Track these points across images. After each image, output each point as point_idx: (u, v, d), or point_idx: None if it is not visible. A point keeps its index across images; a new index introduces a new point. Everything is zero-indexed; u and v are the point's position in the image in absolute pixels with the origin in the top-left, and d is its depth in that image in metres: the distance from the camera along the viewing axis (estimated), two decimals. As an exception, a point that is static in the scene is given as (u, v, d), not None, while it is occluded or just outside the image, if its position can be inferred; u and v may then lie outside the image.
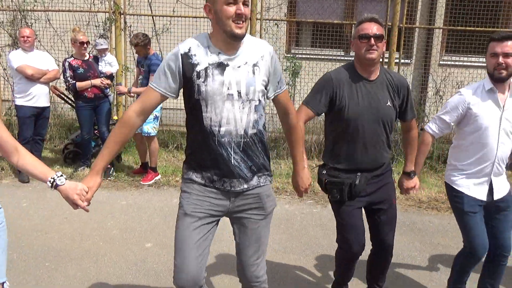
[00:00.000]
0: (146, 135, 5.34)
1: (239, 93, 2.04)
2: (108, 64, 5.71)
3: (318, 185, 2.88)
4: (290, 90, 6.78)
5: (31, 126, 5.51)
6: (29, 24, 6.69)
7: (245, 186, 2.13)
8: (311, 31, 8.25)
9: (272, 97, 2.22)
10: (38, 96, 5.46)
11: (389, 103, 2.63)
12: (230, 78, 2.03)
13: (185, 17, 6.54)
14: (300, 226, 4.44)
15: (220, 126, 2.04)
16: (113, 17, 6.32)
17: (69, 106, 6.16)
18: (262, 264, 2.30)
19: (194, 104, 2.05)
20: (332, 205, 2.75)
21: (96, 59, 5.63)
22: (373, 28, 2.52)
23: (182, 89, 2.08)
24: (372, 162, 2.66)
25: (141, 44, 5.14)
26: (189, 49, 2.03)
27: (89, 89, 5.41)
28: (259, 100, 2.10)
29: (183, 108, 2.13)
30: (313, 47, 8.05)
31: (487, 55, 2.73)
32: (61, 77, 5.54)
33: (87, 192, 2.05)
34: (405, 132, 2.89)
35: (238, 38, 2.00)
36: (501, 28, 7.62)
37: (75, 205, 2.03)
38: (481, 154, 2.77)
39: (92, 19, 6.73)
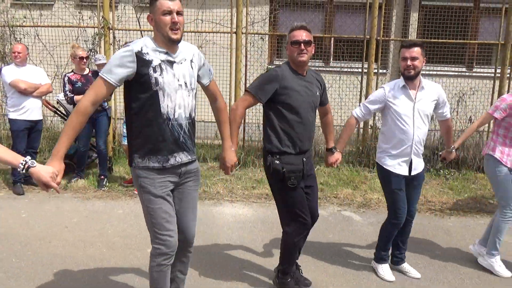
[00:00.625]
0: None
1: (185, 83, 2.52)
2: None
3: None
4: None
5: (25, 139, 5.62)
6: (18, 39, 6.80)
7: (189, 157, 2.62)
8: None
9: (207, 85, 2.76)
10: (31, 110, 5.58)
11: (318, 93, 3.21)
12: (179, 72, 2.50)
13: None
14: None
15: (174, 111, 2.49)
16: (102, 32, 6.51)
17: (59, 119, 6.28)
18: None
19: (151, 95, 2.42)
20: (282, 191, 3.12)
21: (96, 73, 5.79)
22: (302, 35, 3.02)
23: (128, 85, 2.44)
24: (310, 143, 3.21)
25: None
26: (142, 48, 2.41)
27: None
28: (195, 89, 2.63)
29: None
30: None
31: (400, 59, 3.39)
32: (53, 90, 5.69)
33: (57, 175, 2.27)
34: (323, 116, 3.49)
35: (175, 42, 2.47)
36: (470, 39, 8.12)
37: (46, 187, 2.22)
38: (401, 137, 3.43)
39: (81, 34, 6.88)
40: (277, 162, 3.07)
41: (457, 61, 8.25)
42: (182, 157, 2.58)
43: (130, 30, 6.81)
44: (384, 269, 3.72)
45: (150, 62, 2.41)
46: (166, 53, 2.47)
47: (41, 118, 5.74)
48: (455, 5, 8.26)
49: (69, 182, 5.82)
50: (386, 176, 3.52)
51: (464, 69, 8.37)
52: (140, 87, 2.43)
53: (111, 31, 6.58)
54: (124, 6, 6.92)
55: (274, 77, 3.03)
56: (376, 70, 7.03)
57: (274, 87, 3.03)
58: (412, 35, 8.31)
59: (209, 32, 6.80)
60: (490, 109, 3.78)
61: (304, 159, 3.14)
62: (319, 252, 4.15)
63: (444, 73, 7.86)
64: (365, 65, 6.89)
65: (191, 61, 2.59)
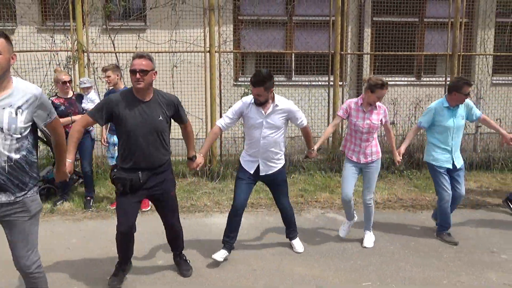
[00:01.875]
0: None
1: (1, 128, 2.56)
2: (91, 102, 5.93)
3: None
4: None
5: None
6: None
7: (12, 198, 2.67)
8: (254, 60, 8.97)
9: (43, 125, 2.81)
10: None
11: (161, 118, 3.49)
12: None
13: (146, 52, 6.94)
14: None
15: None
16: (76, 55, 6.58)
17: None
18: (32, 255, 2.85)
19: None
20: (116, 197, 3.60)
21: (81, 97, 5.84)
22: (140, 64, 3.33)
23: None
24: (151, 163, 3.53)
25: (111, 68, 5.47)
26: None
27: (70, 125, 5.62)
28: (19, 134, 2.63)
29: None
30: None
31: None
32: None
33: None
34: (183, 130, 3.87)
35: None
36: (418, 51, 8.91)
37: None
38: (252, 142, 4.06)
39: (53, 58, 6.89)
40: (115, 170, 3.55)
41: (407, 71, 9.00)
42: (1, 197, 2.64)
43: (105, 53, 6.91)
44: None
45: None
46: None
47: None
48: (402, 20, 9.03)
49: (54, 205, 5.80)
50: (239, 170, 4.24)
51: (413, 79, 9.14)
52: None
53: (85, 54, 6.67)
54: (98, 29, 7.02)
55: (106, 103, 3.44)
56: (341, 83, 7.56)
57: (107, 112, 3.41)
58: (366, 48, 8.98)
59: (183, 52, 7.05)
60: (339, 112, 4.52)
61: (140, 174, 3.49)
62: (316, 251, 4.49)
63: (396, 82, 8.56)
64: (332, 78, 7.40)
65: (19, 107, 2.59)
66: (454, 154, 4.64)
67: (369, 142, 4.40)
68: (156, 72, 3.46)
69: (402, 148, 4.69)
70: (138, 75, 3.29)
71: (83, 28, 6.56)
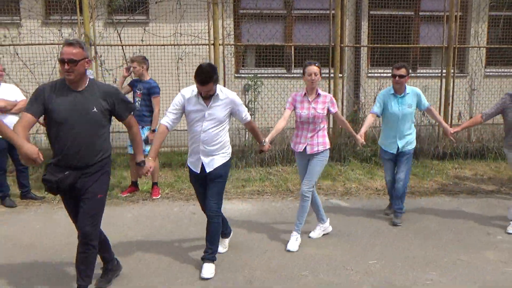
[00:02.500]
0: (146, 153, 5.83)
1: None
2: None
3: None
4: (252, 105, 7.63)
5: (5, 158, 5.70)
6: (-3, 57, 6.86)
7: None
8: (254, 53, 9.17)
9: None
10: (11, 127, 5.69)
11: (95, 109, 3.15)
12: None
13: (153, 45, 7.13)
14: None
15: None
16: (84, 48, 6.73)
17: (44, 134, 6.42)
18: None
19: None
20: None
21: None
22: (69, 53, 3.00)
23: None
24: (81, 162, 3.17)
25: (138, 59, 5.68)
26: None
27: None
28: None
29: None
30: (258, 67, 8.96)
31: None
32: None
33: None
34: (128, 129, 3.47)
35: None
36: (414, 43, 9.15)
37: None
38: (193, 137, 3.78)
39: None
40: (47, 169, 3.20)
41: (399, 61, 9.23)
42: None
43: (111, 46, 7.07)
44: None
45: None
46: None
47: None
48: (398, 14, 9.27)
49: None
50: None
51: (410, 71, 9.38)
52: None
53: (92, 47, 6.83)
54: (104, 23, 7.19)
55: (38, 94, 3.10)
56: (340, 74, 7.79)
57: (40, 103, 3.07)
58: (363, 41, 9.21)
59: (188, 45, 7.23)
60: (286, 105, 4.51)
61: (66, 173, 3.14)
62: (326, 234, 4.74)
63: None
64: (332, 70, 7.62)
65: None
66: (400, 140, 4.94)
67: (315, 132, 4.37)
68: (89, 60, 3.15)
69: (362, 131, 4.82)
70: (66, 66, 2.99)
71: (90, 22, 6.70)
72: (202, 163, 3.78)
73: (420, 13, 9.40)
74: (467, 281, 3.72)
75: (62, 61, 3.01)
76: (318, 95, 4.36)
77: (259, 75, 7.80)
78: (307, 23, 8.90)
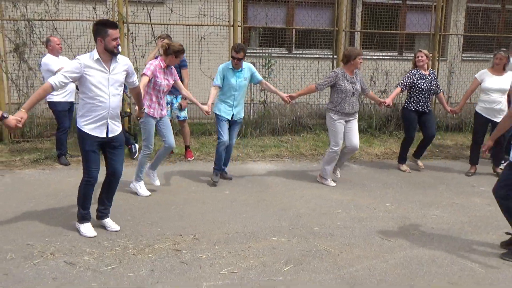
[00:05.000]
0: (184, 119, 6.69)
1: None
2: None
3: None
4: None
5: (67, 118, 6.50)
6: (37, 32, 7.47)
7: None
8: (258, 34, 10.05)
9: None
10: (71, 93, 6.49)
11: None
12: None
13: (178, 25, 7.89)
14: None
15: None
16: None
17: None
18: None
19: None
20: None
21: None
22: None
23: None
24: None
25: (165, 37, 6.47)
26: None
27: None
28: None
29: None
30: (261, 47, 9.86)
31: (109, 40, 3.76)
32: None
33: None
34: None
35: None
36: (400, 30, 10.25)
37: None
38: (98, 105, 3.88)
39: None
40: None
41: (391, 47, 10.36)
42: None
43: (143, 24, 7.80)
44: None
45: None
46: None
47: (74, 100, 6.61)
48: (387, 2, 10.33)
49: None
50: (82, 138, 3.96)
51: (396, 54, 10.52)
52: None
53: (125, 25, 7.54)
54: (139, 0, 7.90)
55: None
56: (332, 56, 8.80)
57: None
58: (357, 27, 10.23)
59: (209, 25, 8.05)
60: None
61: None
62: (344, 185, 5.79)
63: (381, 57, 9.91)
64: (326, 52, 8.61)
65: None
66: (235, 108, 5.65)
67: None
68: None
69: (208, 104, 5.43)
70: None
71: (124, 1, 7.40)
72: (108, 127, 4.00)
73: (407, 2, 10.51)
74: (462, 215, 4.85)
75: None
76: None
77: (264, 55, 8.68)
78: (309, 8, 9.83)
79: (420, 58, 6.35)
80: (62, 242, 3.91)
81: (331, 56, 8.76)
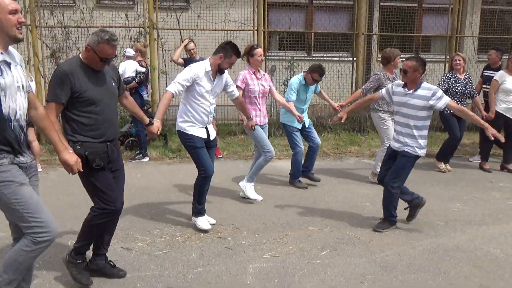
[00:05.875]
0: (213, 116, 7.04)
1: (22, 85, 2.55)
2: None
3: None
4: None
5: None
6: (72, 39, 7.91)
7: (30, 157, 2.69)
8: (277, 38, 10.40)
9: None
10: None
11: (114, 84, 3.26)
12: (17, 74, 2.52)
13: (205, 30, 8.28)
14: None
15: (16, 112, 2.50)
16: (148, 31, 7.85)
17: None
18: None
19: None
20: (89, 173, 3.14)
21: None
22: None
23: None
24: (114, 133, 3.31)
25: (193, 41, 6.93)
26: None
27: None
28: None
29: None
30: (280, 50, 10.21)
31: (227, 62, 4.17)
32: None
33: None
34: (125, 100, 3.55)
35: (20, 41, 2.57)
36: (416, 33, 10.54)
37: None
38: (204, 108, 4.26)
39: (127, 34, 8.14)
40: (79, 147, 3.09)
41: (407, 49, 10.65)
42: (25, 157, 2.64)
43: (172, 30, 8.21)
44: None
45: None
46: (1, 53, 2.46)
47: None
48: (404, 5, 10.63)
49: (133, 159, 7.04)
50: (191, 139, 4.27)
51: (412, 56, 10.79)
52: None
53: (155, 30, 7.94)
54: (168, 7, 8.31)
55: (64, 76, 3.01)
56: (351, 58, 9.12)
57: (67, 86, 3.01)
58: (375, 30, 10.54)
59: (235, 30, 8.42)
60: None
61: (108, 144, 3.21)
62: (368, 182, 6.10)
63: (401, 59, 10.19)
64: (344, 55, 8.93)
65: (20, 65, 2.62)
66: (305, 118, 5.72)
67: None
68: None
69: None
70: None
71: (154, 8, 7.81)
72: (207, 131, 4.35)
73: (424, 5, 10.80)
74: (482, 208, 5.14)
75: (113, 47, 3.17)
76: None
77: (282, 58, 9.05)
78: (327, 12, 10.17)
79: (457, 61, 6.55)
80: (115, 231, 4.28)
81: (351, 59, 9.07)
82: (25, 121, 2.60)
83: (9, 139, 2.50)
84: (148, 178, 6.16)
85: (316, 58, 10.00)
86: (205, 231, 4.31)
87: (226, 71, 4.35)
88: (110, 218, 3.27)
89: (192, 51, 6.92)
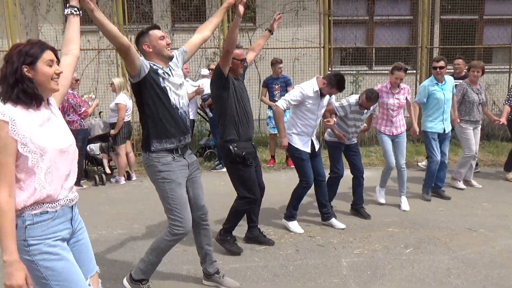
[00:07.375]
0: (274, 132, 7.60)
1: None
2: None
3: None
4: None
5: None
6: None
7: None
8: (340, 54, 10.84)
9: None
10: (193, 112, 7.60)
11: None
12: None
13: (275, 48, 8.87)
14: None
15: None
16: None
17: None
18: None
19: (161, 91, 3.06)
20: (241, 169, 4.04)
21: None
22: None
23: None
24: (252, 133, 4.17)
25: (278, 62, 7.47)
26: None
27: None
28: None
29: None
30: (343, 65, 10.62)
31: (330, 89, 4.63)
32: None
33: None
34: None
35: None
36: (478, 44, 10.66)
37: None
38: (310, 123, 4.72)
39: (204, 54, 8.88)
40: (235, 148, 3.98)
41: (468, 61, 10.76)
42: (187, 138, 3.34)
43: (245, 49, 8.83)
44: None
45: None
46: (162, 68, 3.12)
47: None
48: (464, 17, 10.79)
49: (214, 169, 7.68)
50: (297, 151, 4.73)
51: (474, 67, 10.90)
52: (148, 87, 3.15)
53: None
54: (240, 28, 8.97)
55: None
56: (414, 71, 9.39)
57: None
58: (436, 42, 10.76)
59: (302, 48, 8.97)
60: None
61: (253, 143, 4.16)
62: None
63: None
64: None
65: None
66: (446, 122, 5.74)
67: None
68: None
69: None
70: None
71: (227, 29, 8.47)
72: (312, 143, 4.79)
73: (484, 17, 10.91)
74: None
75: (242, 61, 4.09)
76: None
77: (348, 72, 9.43)
78: (388, 27, 10.52)
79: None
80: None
81: (414, 71, 9.37)
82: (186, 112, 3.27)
83: (177, 128, 3.18)
84: (230, 185, 6.71)
85: (378, 72, 10.38)
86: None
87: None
88: (251, 205, 4.21)
89: (279, 69, 7.52)
